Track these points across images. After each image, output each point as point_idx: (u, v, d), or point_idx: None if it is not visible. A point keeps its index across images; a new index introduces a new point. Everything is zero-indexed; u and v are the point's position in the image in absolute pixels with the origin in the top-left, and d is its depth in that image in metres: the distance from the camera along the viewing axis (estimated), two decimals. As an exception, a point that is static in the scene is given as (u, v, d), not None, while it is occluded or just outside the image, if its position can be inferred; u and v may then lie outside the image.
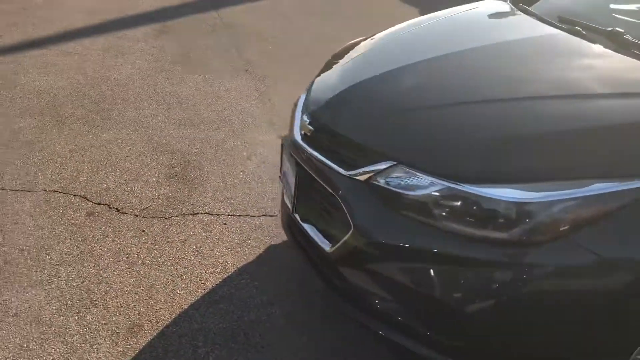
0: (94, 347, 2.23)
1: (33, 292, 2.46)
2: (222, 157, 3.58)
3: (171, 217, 3.00)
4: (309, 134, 2.22)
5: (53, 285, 2.50)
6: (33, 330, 2.28)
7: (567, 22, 2.47)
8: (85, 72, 4.60)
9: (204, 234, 2.89)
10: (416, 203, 1.81)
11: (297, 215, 2.26)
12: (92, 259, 2.67)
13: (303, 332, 2.35)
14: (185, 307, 2.44)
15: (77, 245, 2.75)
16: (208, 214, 3.04)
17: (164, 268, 2.64)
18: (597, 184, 1.64)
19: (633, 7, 2.70)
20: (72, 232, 2.83)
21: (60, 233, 2.82)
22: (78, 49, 5.03)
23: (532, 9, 2.68)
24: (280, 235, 2.89)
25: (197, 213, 3.04)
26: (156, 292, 2.51)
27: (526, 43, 2.38)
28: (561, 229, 1.63)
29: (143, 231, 2.87)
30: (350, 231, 1.91)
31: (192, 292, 2.52)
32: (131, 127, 3.86)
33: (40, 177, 3.24)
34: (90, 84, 4.42)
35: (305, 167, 2.16)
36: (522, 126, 1.85)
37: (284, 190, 2.46)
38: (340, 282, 2.05)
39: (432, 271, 1.78)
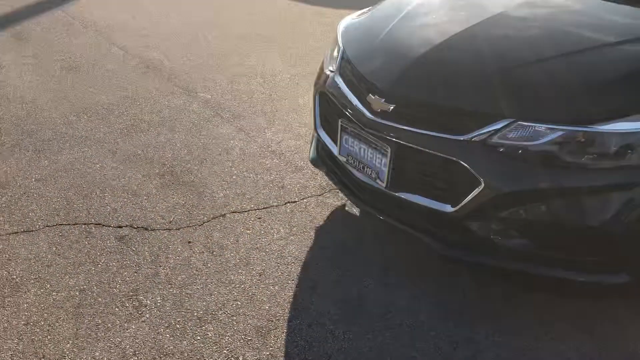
0: (239, 359, 2.22)
1: (133, 327, 2.31)
2: (201, 156, 3.51)
3: (203, 223, 2.93)
4: (389, 110, 2.39)
5: (147, 315, 2.37)
6: (168, 362, 2.18)
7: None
8: (-24, 94, 4.03)
9: (248, 232, 2.89)
10: (542, 150, 2.13)
11: (390, 190, 2.44)
12: (163, 280, 2.55)
13: (408, 295, 2.56)
14: (290, 300, 2.50)
15: (136, 272, 2.59)
16: (235, 212, 3.03)
17: (240, 270, 2.63)
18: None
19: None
20: (119, 261, 2.64)
21: (107, 264, 2.62)
22: (-57, 70, 4.36)
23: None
24: (319, 216, 3.02)
25: (225, 214, 3.01)
26: (253, 294, 2.51)
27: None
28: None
29: (189, 242, 2.79)
30: (480, 187, 2.18)
31: (286, 286, 2.57)
32: (81, 144, 3.56)
33: (31, 214, 2.90)
34: (-6, 106, 3.91)
35: (404, 143, 2.34)
36: (608, 71, 2.25)
37: (352, 170, 2.59)
38: (466, 235, 2.32)
39: (570, 204, 2.15)
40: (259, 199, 3.15)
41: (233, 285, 2.55)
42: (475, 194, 2.20)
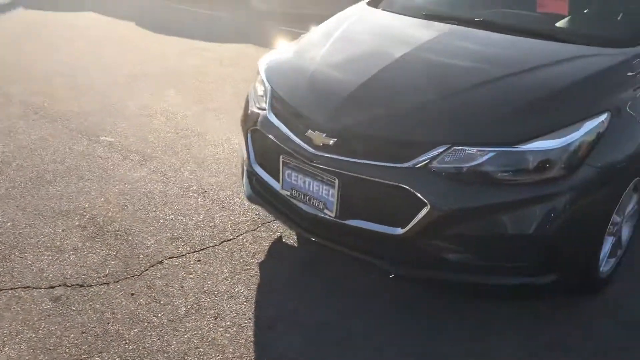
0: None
1: (96, 391, 2.18)
2: (121, 203, 3.38)
3: (142, 273, 2.83)
4: (330, 144, 2.48)
5: (108, 377, 2.25)
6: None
7: (438, 18, 3.18)
8: None
9: (191, 276, 2.83)
10: (476, 171, 2.32)
11: (340, 219, 2.51)
12: (115, 337, 2.43)
13: (363, 318, 2.64)
14: (252, 339, 2.47)
15: (83, 333, 2.44)
16: (172, 257, 2.95)
17: (193, 316, 2.57)
18: (587, 123, 2.41)
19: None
20: (60, 324, 2.48)
21: (49, 329, 2.44)
22: None
23: (397, 9, 3.32)
24: (259, 252, 3.02)
25: (162, 261, 2.92)
26: (213, 339, 2.46)
27: (453, 37, 2.99)
28: (579, 158, 2.37)
29: (132, 294, 2.68)
30: (426, 209, 2.32)
31: (244, 326, 2.54)
32: (-17, 202, 3.29)
33: (-54, 285, 2.64)
34: None
35: (350, 174, 2.43)
36: (522, 95, 2.47)
37: (297, 204, 2.63)
38: (415, 254, 2.45)
39: (505, 216, 2.35)
40: (194, 241, 3.09)
41: (190, 332, 2.49)
42: (422, 215, 2.34)
